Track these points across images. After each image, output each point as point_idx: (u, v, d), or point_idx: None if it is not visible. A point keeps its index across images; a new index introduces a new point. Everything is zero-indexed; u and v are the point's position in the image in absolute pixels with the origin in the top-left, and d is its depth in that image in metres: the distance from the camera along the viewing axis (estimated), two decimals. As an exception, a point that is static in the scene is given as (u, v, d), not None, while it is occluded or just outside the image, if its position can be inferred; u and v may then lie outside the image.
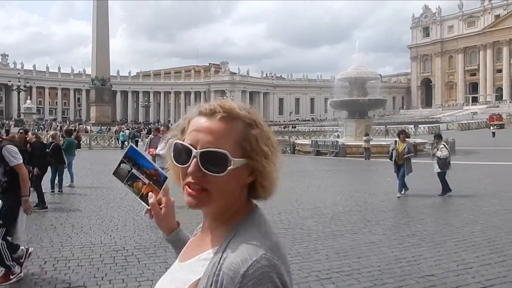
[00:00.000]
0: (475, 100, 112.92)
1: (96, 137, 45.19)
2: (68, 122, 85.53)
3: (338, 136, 34.70)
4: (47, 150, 12.57)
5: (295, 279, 5.41)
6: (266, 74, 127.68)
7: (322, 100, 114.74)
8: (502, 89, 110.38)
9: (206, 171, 1.06)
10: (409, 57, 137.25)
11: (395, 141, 13.65)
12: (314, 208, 11.08)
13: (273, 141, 1.15)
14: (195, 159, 1.06)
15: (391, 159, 13.35)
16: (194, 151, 1.06)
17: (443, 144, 13.06)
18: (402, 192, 12.71)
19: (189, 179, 1.08)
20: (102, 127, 58.50)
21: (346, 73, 33.21)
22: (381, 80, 47.92)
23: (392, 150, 13.25)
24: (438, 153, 12.53)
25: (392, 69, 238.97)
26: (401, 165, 12.78)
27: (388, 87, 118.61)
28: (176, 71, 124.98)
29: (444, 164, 12.48)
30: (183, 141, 1.11)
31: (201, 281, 1.06)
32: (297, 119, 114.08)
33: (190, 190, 1.08)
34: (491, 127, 37.95)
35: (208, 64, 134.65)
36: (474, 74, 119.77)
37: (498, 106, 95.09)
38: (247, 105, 1.17)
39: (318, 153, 29.71)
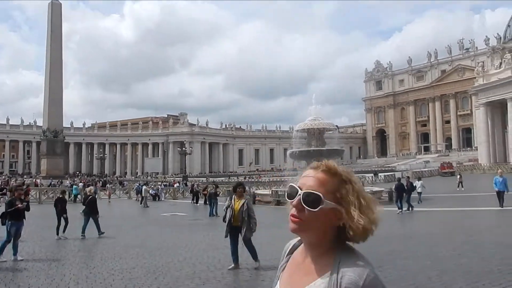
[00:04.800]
0: (427, 149, 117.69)
1: (46, 191, 43.31)
2: (15, 176, 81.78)
3: (297, 186, 34.75)
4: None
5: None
6: (226, 125, 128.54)
7: (281, 150, 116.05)
8: (451, 139, 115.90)
9: (305, 206, 1.49)
10: (364, 109, 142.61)
11: (231, 196, 10.45)
12: (276, 259, 10.80)
13: (363, 196, 1.54)
14: (299, 196, 1.52)
15: (224, 220, 10.18)
16: (300, 191, 1.53)
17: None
18: (231, 266, 9.79)
19: (293, 211, 1.53)
20: (54, 180, 56.01)
21: (304, 124, 33.80)
22: (338, 130, 48.99)
23: (227, 208, 10.20)
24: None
25: (348, 120, 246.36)
26: (238, 228, 9.85)
27: (345, 137, 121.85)
28: (133, 122, 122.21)
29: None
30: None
31: None
32: (257, 169, 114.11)
33: (292, 218, 1.53)
34: (458, 177, 39.00)
35: (166, 116, 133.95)
36: (425, 125, 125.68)
37: (448, 155, 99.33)
38: (346, 168, 1.61)
39: (278, 203, 29.69)
